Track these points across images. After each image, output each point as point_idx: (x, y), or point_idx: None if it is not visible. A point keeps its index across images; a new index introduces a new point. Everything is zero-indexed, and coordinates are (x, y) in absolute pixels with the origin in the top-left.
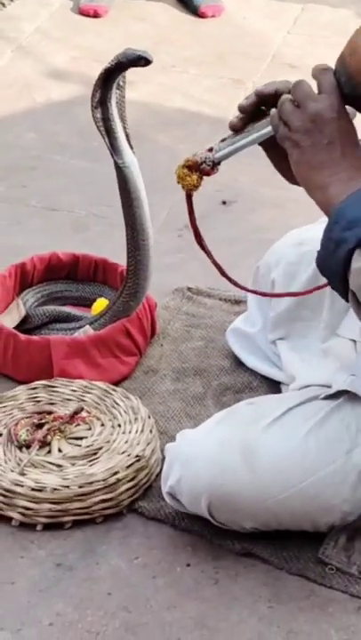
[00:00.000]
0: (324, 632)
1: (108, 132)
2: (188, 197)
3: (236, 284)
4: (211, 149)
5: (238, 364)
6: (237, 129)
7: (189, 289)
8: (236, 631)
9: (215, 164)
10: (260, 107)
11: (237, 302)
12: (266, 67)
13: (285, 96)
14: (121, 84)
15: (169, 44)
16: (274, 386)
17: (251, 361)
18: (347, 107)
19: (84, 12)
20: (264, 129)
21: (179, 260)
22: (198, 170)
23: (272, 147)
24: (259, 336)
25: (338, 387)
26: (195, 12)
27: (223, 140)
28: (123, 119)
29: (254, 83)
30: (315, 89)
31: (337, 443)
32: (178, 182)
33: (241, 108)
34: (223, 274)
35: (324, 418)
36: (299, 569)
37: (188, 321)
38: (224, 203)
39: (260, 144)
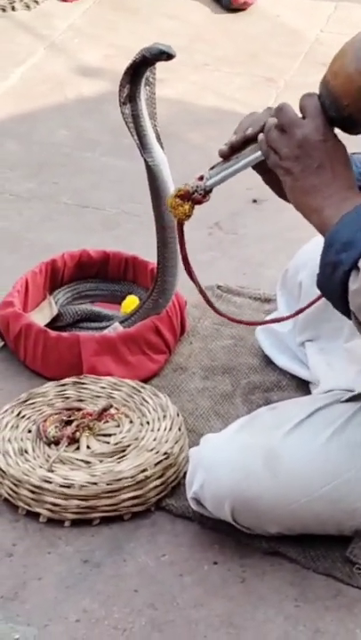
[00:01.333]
0: (351, 632)
1: (137, 129)
2: (180, 226)
3: (221, 313)
4: (201, 178)
5: (267, 362)
6: (226, 156)
7: (219, 287)
8: (262, 630)
9: (207, 192)
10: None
11: (267, 300)
12: (299, 65)
13: (271, 121)
14: (151, 80)
15: (202, 42)
16: (303, 385)
17: (280, 360)
18: None
19: (240, 2)
20: (253, 154)
21: (209, 258)
22: (190, 199)
23: (265, 171)
24: (288, 336)
25: (360, 389)
26: (227, 6)
27: (213, 168)
28: (152, 116)
29: (286, 81)
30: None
31: (359, 446)
32: (170, 212)
33: (222, 153)
34: (209, 303)
35: (346, 422)
36: (326, 568)
37: (218, 319)
38: (255, 201)
39: (254, 168)
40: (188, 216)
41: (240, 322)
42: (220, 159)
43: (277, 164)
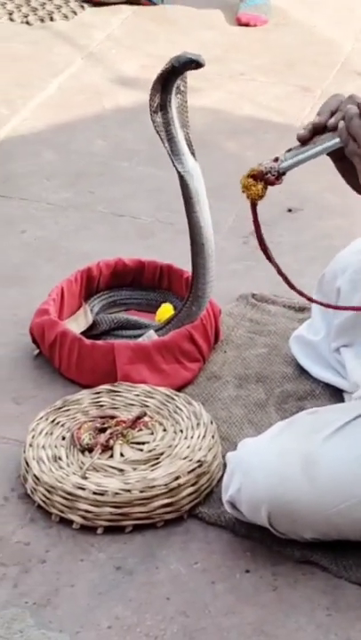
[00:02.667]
0: None
1: (169, 138)
2: (253, 207)
3: (300, 292)
4: (276, 159)
5: (301, 371)
6: (305, 141)
7: (254, 296)
8: (293, 638)
9: (280, 175)
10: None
11: (301, 309)
12: (335, 74)
13: (353, 110)
14: (182, 88)
15: (239, 52)
16: (337, 394)
17: (314, 369)
18: None
19: (242, 22)
20: (331, 141)
21: (244, 267)
22: (263, 179)
23: (340, 158)
24: (322, 344)
25: None
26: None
27: (289, 151)
28: (184, 125)
29: (323, 90)
30: None
31: None
32: (243, 191)
33: (301, 137)
34: (287, 282)
35: None
36: (358, 577)
37: (252, 328)
38: (290, 210)
39: (328, 155)
40: (261, 196)
41: (320, 303)
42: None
43: (356, 152)
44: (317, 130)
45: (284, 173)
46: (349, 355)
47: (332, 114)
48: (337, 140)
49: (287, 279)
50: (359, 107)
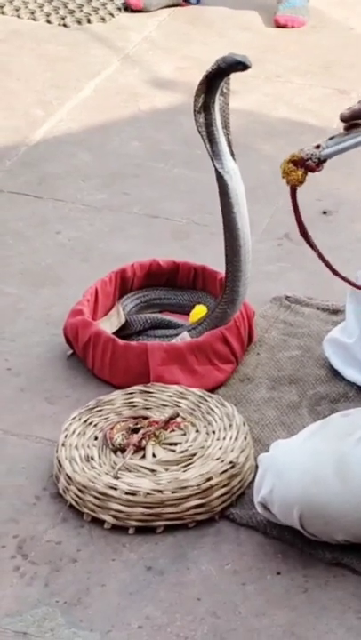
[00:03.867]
0: None
1: (210, 138)
2: (293, 192)
3: (343, 277)
4: (318, 146)
5: (334, 373)
6: (346, 120)
7: (287, 297)
8: None
9: (321, 162)
10: None
11: (335, 312)
12: None
13: None
14: (225, 90)
15: (274, 54)
16: None
17: (347, 371)
18: None
19: (280, 24)
20: None
21: (278, 269)
22: (304, 166)
23: None
24: (356, 347)
25: None
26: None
27: (331, 138)
28: (225, 126)
29: (359, 93)
30: None
31: None
32: (283, 177)
33: (343, 117)
34: (329, 267)
35: None
36: None
37: (286, 330)
38: (325, 213)
39: None
40: (301, 182)
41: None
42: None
43: None
44: (357, 115)
45: (325, 160)
46: None
47: None
48: None
49: (329, 264)
50: None
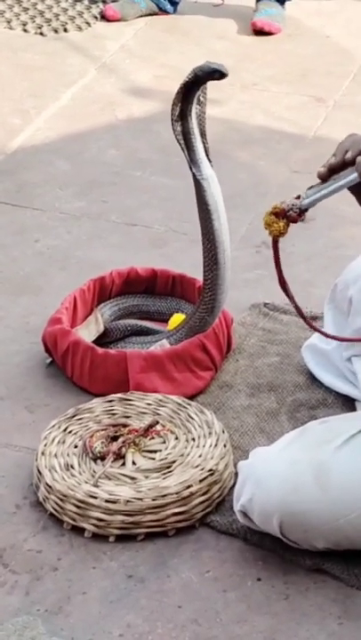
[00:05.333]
0: None
1: (188, 146)
2: (275, 243)
3: (319, 330)
4: (298, 197)
5: (313, 380)
6: (324, 178)
7: (266, 305)
8: None
9: (302, 211)
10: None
11: (313, 319)
12: (348, 84)
13: None
14: (202, 99)
15: (251, 62)
16: (349, 403)
17: (326, 378)
18: None
19: (257, 27)
20: (350, 176)
21: (256, 276)
22: (285, 217)
23: None
24: (334, 353)
25: None
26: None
27: (310, 188)
28: (203, 134)
29: (335, 101)
30: None
31: None
32: (265, 228)
33: (320, 175)
34: (305, 320)
35: None
36: None
37: (264, 337)
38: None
39: (350, 190)
40: (283, 233)
41: (335, 338)
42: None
43: None
44: (334, 169)
45: (306, 210)
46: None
47: (347, 152)
48: (355, 175)
49: (305, 317)
50: None
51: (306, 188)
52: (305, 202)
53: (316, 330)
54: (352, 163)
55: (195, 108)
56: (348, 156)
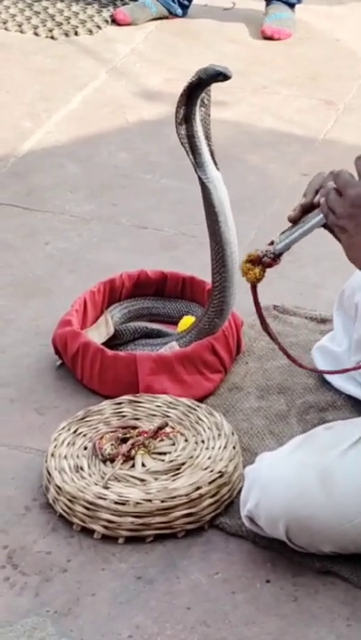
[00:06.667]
0: None
1: (193, 149)
2: (253, 288)
3: (300, 364)
4: (272, 243)
5: (323, 382)
6: (295, 221)
7: (275, 307)
8: None
9: (277, 256)
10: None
11: (323, 321)
12: (358, 87)
13: (330, 185)
14: (206, 101)
15: (261, 66)
16: (358, 405)
17: (336, 380)
18: None
19: (267, 35)
20: (316, 217)
21: (265, 279)
22: (260, 263)
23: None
24: (344, 355)
25: None
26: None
27: (283, 233)
28: (207, 136)
29: (345, 104)
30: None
31: None
32: (242, 276)
33: (291, 218)
34: (290, 358)
35: None
36: None
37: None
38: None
39: (325, 227)
40: (259, 279)
41: (314, 370)
42: (290, 224)
43: (334, 222)
44: (306, 209)
45: (280, 254)
46: None
47: (317, 192)
48: (321, 215)
49: (287, 353)
50: (335, 178)
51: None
52: (278, 247)
53: (303, 367)
54: (318, 205)
55: (199, 111)
56: (317, 198)
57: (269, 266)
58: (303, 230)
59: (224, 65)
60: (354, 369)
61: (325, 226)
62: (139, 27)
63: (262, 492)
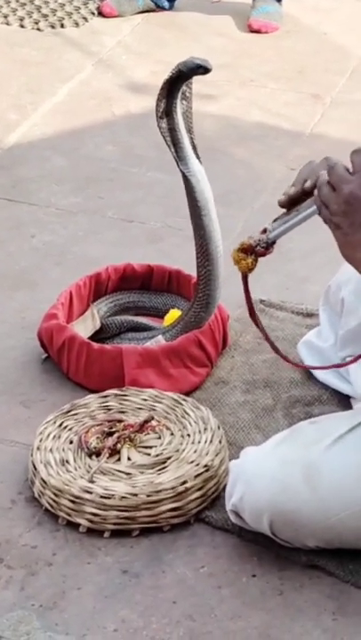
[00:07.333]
0: None
1: (174, 142)
2: (244, 278)
3: (285, 358)
4: (265, 231)
5: (309, 376)
6: (286, 207)
7: (262, 301)
8: None
9: (269, 245)
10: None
11: (309, 315)
12: (345, 81)
13: (323, 178)
14: (187, 94)
15: (248, 59)
16: (344, 399)
17: (321, 374)
18: None
19: (253, 29)
20: (310, 208)
21: (253, 273)
22: (253, 252)
23: None
24: (330, 351)
25: None
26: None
27: (275, 221)
28: (189, 130)
29: (333, 97)
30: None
31: None
32: (234, 264)
33: (281, 203)
34: (275, 349)
35: None
36: None
37: (260, 333)
38: None
39: (320, 215)
40: (251, 269)
41: (303, 367)
42: (282, 211)
43: (328, 218)
44: (294, 200)
45: (273, 243)
46: (355, 365)
47: (305, 182)
48: (315, 206)
49: (275, 347)
50: (329, 171)
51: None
52: (271, 235)
53: (289, 362)
54: (311, 192)
55: (180, 104)
56: (307, 185)
57: (262, 255)
58: (298, 219)
59: (205, 57)
60: (340, 365)
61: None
62: (125, 19)
63: (247, 486)
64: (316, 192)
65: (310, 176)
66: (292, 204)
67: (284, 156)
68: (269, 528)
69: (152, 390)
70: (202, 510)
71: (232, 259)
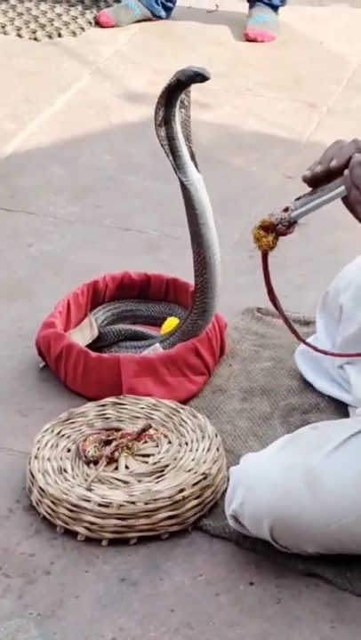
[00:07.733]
0: None
1: (173, 151)
2: (264, 257)
3: (308, 344)
4: (286, 209)
5: (306, 384)
6: (310, 183)
7: (259, 309)
8: None
9: (291, 224)
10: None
11: (306, 323)
12: (341, 90)
13: (357, 158)
14: (186, 103)
15: (245, 68)
16: (341, 407)
17: (319, 382)
18: None
19: (250, 38)
20: (338, 188)
21: (249, 281)
22: (274, 230)
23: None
24: (327, 359)
25: None
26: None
27: (298, 199)
28: (188, 138)
29: (329, 106)
30: None
31: None
32: (254, 242)
33: (305, 179)
34: (297, 336)
35: None
36: None
37: (258, 341)
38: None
39: (341, 199)
40: (272, 247)
41: (325, 353)
42: (307, 190)
43: (358, 199)
44: (320, 178)
45: (295, 222)
46: (353, 371)
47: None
48: (343, 187)
49: (296, 333)
50: None
51: (294, 198)
52: (294, 214)
53: (307, 344)
54: (338, 172)
55: (179, 113)
56: (334, 164)
57: (283, 234)
58: (322, 200)
59: (203, 66)
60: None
61: (344, 199)
62: (122, 29)
63: (247, 491)
64: (346, 173)
65: (337, 156)
66: (315, 182)
67: (281, 165)
68: (269, 533)
69: (150, 398)
70: (200, 518)
71: (252, 236)
